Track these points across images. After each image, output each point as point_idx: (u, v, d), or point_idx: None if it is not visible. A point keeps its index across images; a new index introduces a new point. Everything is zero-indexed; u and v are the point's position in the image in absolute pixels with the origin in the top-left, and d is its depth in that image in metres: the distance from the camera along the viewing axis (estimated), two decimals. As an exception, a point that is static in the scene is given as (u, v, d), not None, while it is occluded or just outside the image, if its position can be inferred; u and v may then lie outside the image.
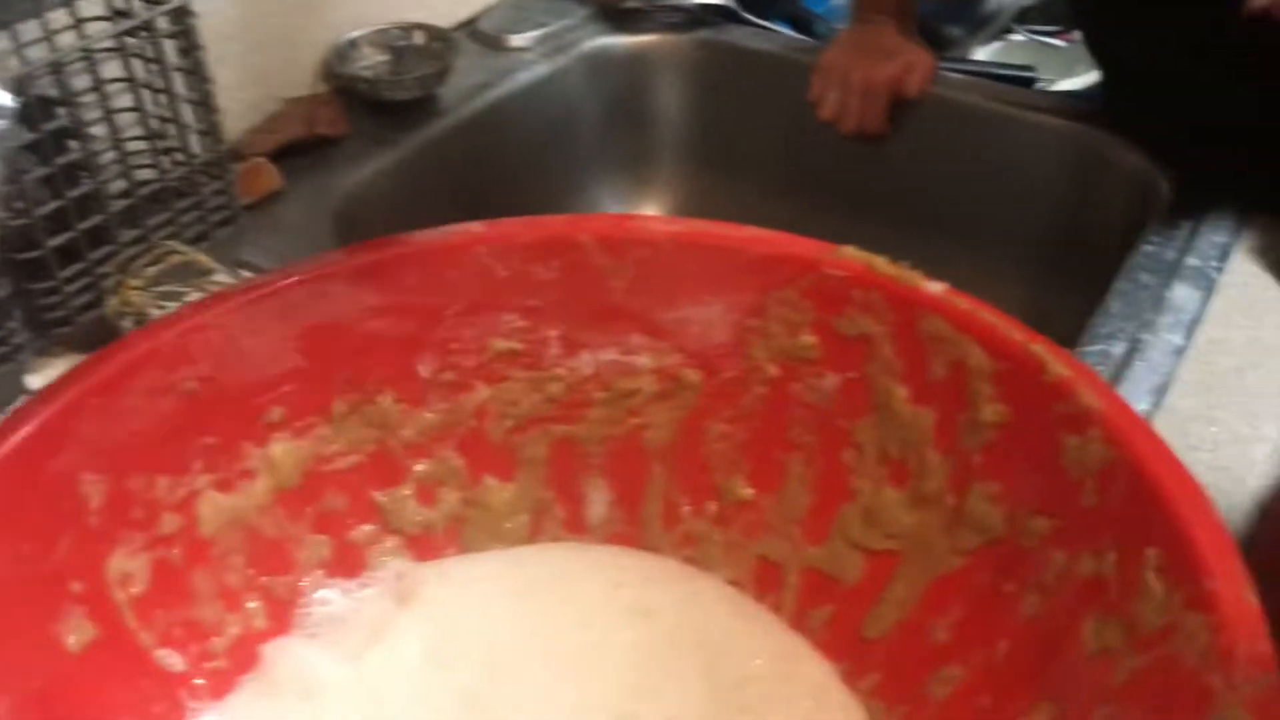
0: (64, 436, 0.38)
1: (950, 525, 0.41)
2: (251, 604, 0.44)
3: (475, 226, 0.45)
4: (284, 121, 0.78)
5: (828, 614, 0.44)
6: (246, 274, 0.65)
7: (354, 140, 0.80)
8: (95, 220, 0.61)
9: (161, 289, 0.62)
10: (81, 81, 0.59)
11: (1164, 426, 0.47)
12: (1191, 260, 0.65)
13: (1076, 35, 1.06)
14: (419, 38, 0.85)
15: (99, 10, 0.60)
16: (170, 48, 0.62)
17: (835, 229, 0.44)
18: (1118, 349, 0.57)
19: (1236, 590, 0.30)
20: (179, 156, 0.65)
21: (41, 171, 0.58)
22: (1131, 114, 0.78)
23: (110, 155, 0.62)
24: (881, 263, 0.42)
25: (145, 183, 0.64)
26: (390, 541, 0.47)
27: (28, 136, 0.56)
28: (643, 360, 0.47)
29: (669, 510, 0.48)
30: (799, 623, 0.45)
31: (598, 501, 0.49)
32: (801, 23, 1.01)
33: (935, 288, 0.41)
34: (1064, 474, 0.37)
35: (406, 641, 0.44)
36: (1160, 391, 0.55)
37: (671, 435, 0.48)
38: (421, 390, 0.47)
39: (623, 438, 0.48)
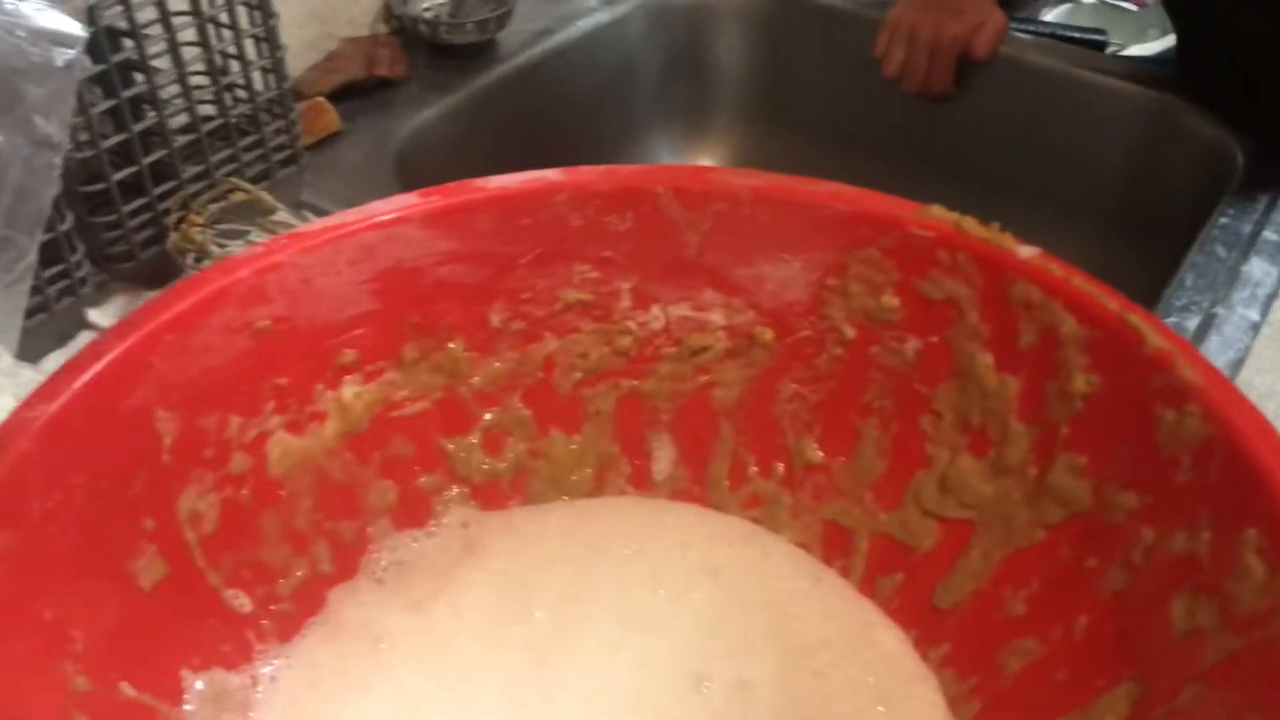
0: (140, 372, 0.38)
1: (1032, 497, 0.40)
2: (318, 547, 0.44)
3: (552, 174, 0.44)
4: (343, 61, 0.77)
5: (898, 581, 0.44)
6: (308, 214, 0.64)
7: (412, 83, 0.80)
8: (159, 155, 0.61)
9: (223, 226, 0.62)
10: (148, 14, 0.58)
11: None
12: (1269, 234, 0.63)
13: (1148, -1, 1.03)
14: (480, -20, 0.84)
15: (167, -59, 0.59)
16: (236, -20, 0.62)
17: (892, 190, 0.43)
18: (1191, 323, 0.56)
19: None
20: (242, 93, 0.65)
21: (107, 104, 0.58)
22: (1207, 81, 0.76)
23: (174, 90, 0.62)
24: (971, 223, 0.41)
25: (208, 118, 0.63)
26: (456, 490, 0.47)
27: (95, 68, 0.56)
28: (715, 317, 0.46)
29: (736, 470, 0.47)
30: (868, 589, 0.45)
31: (663, 458, 0.48)
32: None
33: (1027, 252, 0.40)
34: (1158, 449, 0.36)
35: (473, 591, 0.44)
36: (1235, 367, 0.54)
37: (741, 394, 0.47)
38: (491, 339, 0.46)
39: (691, 395, 0.47)
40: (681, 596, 0.44)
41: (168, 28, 0.59)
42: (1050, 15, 1.00)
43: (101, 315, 0.64)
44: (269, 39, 0.64)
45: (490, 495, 0.47)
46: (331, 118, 0.73)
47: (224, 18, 0.62)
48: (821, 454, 0.46)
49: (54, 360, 0.61)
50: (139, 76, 0.60)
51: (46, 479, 0.35)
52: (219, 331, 0.40)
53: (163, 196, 0.62)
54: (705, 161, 0.96)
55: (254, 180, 0.65)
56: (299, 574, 0.43)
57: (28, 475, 0.34)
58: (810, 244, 0.44)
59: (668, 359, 0.47)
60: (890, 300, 0.43)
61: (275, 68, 0.65)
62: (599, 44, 0.89)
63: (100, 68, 0.56)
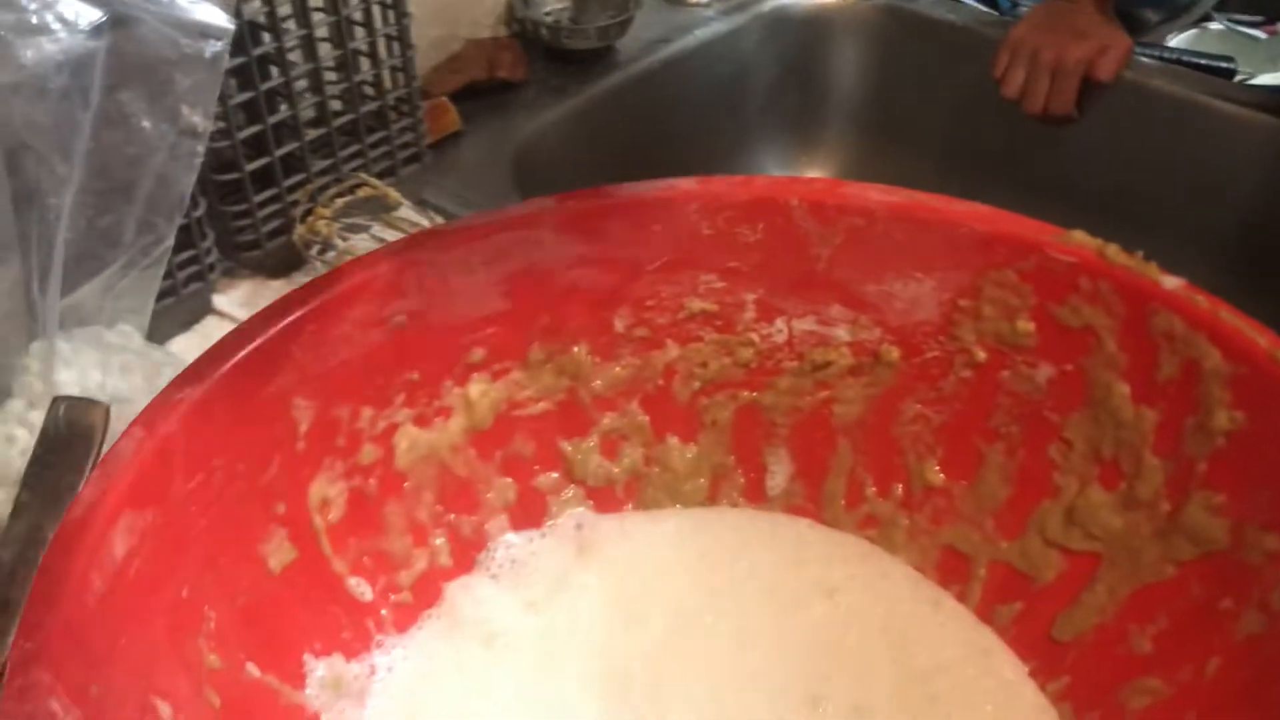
0: (281, 360, 0.39)
1: (1164, 533, 0.39)
2: (438, 540, 0.44)
3: (685, 183, 0.45)
4: (466, 62, 0.78)
5: (1016, 611, 0.43)
6: (430, 211, 0.65)
7: (531, 86, 0.80)
8: (290, 148, 0.62)
9: (348, 220, 0.63)
10: (286, 8, 0.60)
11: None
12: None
13: None
14: (603, -13, 0.85)
15: (310, -60, 0.61)
16: (372, -20, 0.63)
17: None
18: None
19: None
20: (371, 91, 0.66)
21: (244, 96, 0.60)
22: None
23: (307, 85, 0.63)
24: (1115, 251, 0.40)
25: (338, 114, 0.65)
26: (572, 491, 0.47)
27: (236, 60, 0.57)
28: (840, 332, 0.46)
29: (853, 489, 0.47)
30: (985, 617, 0.44)
31: (779, 472, 0.48)
32: (988, -5, 0.98)
33: (1172, 283, 0.39)
34: (1305, 492, 0.35)
35: (588, 595, 0.44)
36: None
37: (862, 412, 0.46)
38: (614, 344, 0.46)
39: (811, 410, 0.47)
40: (797, 614, 0.44)
41: (305, 24, 0.61)
42: (1176, 41, 0.97)
43: (227, 301, 0.65)
44: (401, 38, 0.65)
45: (605, 499, 0.48)
46: (453, 117, 0.74)
47: (358, 16, 0.63)
48: (943, 477, 0.45)
49: (180, 343, 0.63)
50: (275, 70, 0.61)
51: (189, 461, 0.36)
52: (357, 324, 0.41)
53: (291, 189, 0.63)
54: (812, 173, 0.95)
55: (379, 176, 0.66)
56: (419, 565, 0.44)
57: (172, 456, 0.35)
58: (944, 263, 0.43)
59: (789, 373, 0.47)
60: (1025, 325, 0.42)
61: (405, 67, 0.66)
62: (714, 53, 0.89)
63: (240, 60, 0.58)
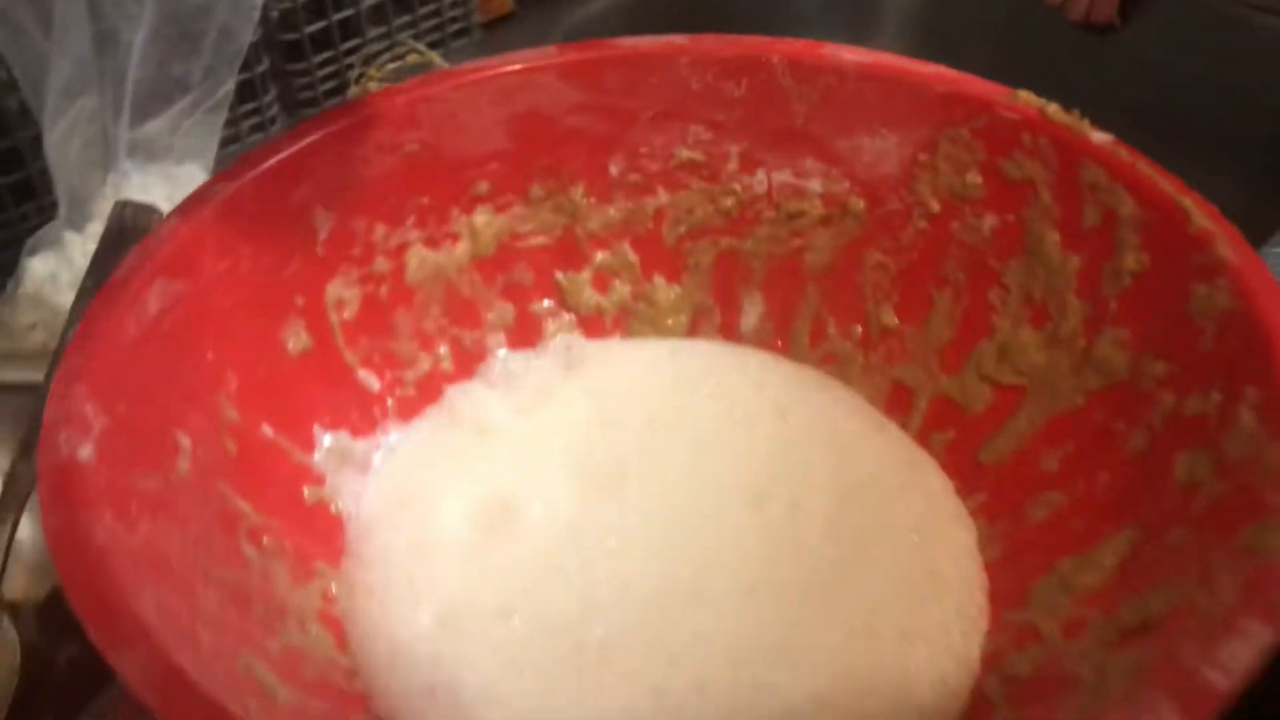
0: (305, 172, 0.45)
1: (1078, 366, 0.43)
2: (442, 349, 0.50)
3: (678, 38, 0.49)
4: (523, -53, 0.83)
5: (949, 438, 0.48)
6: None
7: (585, -27, 0.85)
8: (347, 13, 0.68)
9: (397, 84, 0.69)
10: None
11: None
12: None
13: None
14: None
15: None
16: None
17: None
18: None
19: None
20: (426, -36, 0.71)
21: (307, -38, 0.66)
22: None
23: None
24: (1055, 109, 0.44)
25: (394, -15, 0.70)
26: (566, 318, 0.53)
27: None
28: (814, 185, 0.50)
29: (817, 329, 0.52)
30: (922, 443, 0.48)
31: (752, 313, 0.53)
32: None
33: (1101, 138, 0.43)
34: (1188, 321, 0.39)
35: (572, 404, 0.50)
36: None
37: (830, 260, 0.51)
38: (609, 187, 0.51)
39: (784, 257, 0.52)
40: (752, 430, 0.48)
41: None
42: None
43: (287, 154, 0.72)
44: (457, -87, 0.70)
45: (594, 327, 0.53)
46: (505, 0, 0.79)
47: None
48: (897, 320, 0.50)
49: (244, 189, 0.69)
50: (336, -61, 0.67)
51: (220, 245, 0.42)
52: (374, 148, 0.47)
53: (347, 52, 0.69)
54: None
55: (430, 46, 0.71)
56: (423, 367, 0.50)
57: (205, 239, 0.41)
58: (908, 120, 0.48)
59: (766, 222, 0.51)
60: (974, 178, 0.46)
61: (457, -59, 0.71)
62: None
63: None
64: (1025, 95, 0.45)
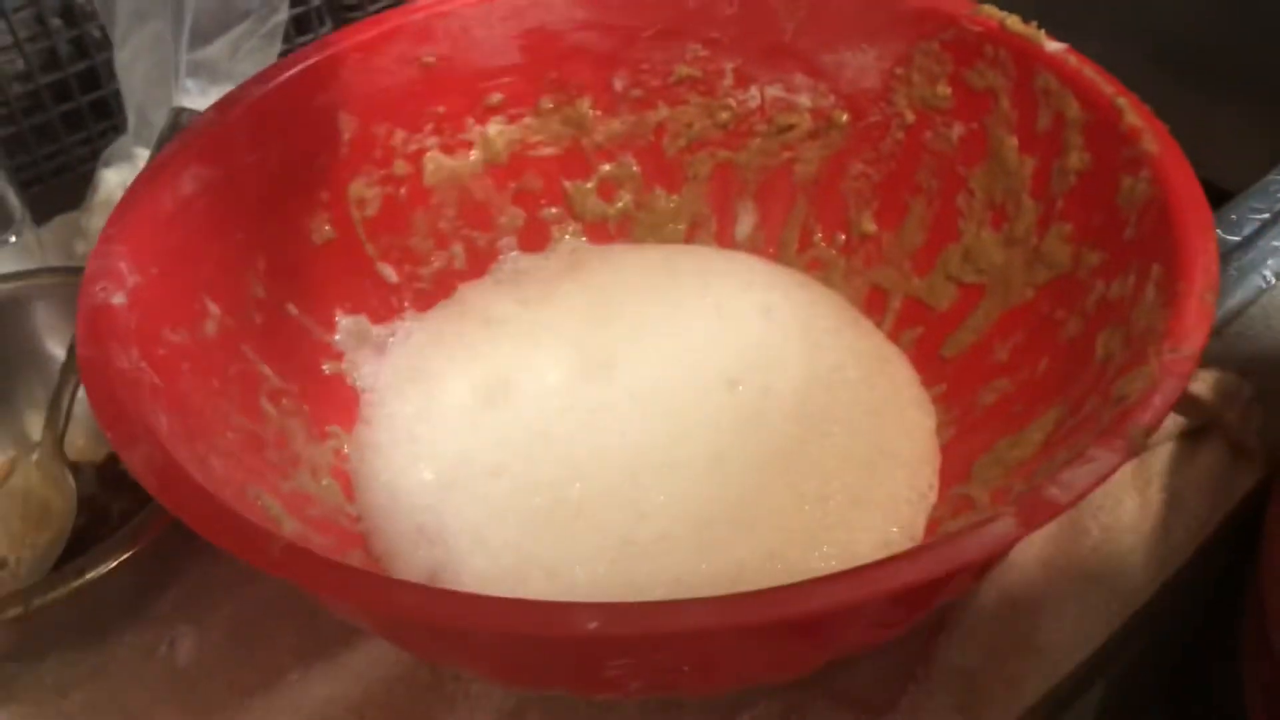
0: (330, 79, 0.50)
1: (1029, 262, 0.46)
2: (456, 248, 0.55)
3: (675, -42, 0.53)
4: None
5: (917, 334, 0.51)
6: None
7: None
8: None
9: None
10: None
11: None
12: None
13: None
14: None
15: None
16: None
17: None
18: None
19: (1198, 296, 0.35)
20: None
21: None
22: None
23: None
24: (1014, 21, 0.47)
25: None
26: (572, 225, 0.57)
27: None
28: (802, 99, 0.54)
29: (804, 236, 0.55)
30: (894, 340, 0.52)
31: (745, 221, 0.57)
32: None
33: (1054, 47, 0.46)
34: (1117, 211, 0.41)
35: (571, 299, 0.54)
36: None
37: (817, 170, 0.54)
38: (613, 101, 0.55)
39: (775, 168, 0.55)
40: (735, 325, 0.52)
41: None
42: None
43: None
44: None
45: (599, 233, 0.57)
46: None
47: None
48: (875, 226, 0.53)
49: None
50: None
51: (250, 140, 0.47)
52: (394, 59, 0.51)
53: (397, -12, 0.74)
54: None
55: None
56: (437, 264, 0.55)
57: (236, 133, 0.46)
58: (885, 35, 0.51)
59: (759, 135, 0.55)
60: (944, 89, 0.50)
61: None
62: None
63: None
64: (988, 8, 0.48)
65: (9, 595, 0.41)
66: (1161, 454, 0.49)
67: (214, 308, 0.44)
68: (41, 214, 0.67)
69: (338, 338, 0.51)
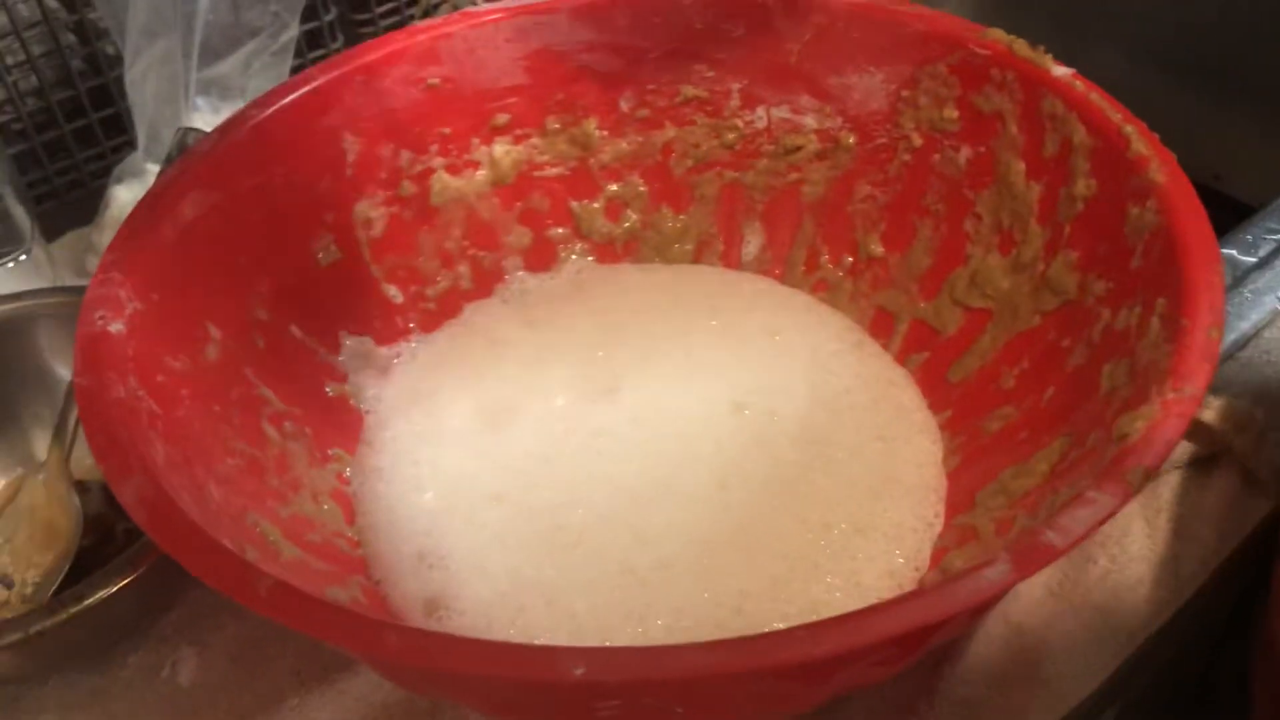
0: (334, 101, 0.50)
1: (1036, 288, 0.46)
2: (462, 268, 0.55)
3: (681, -20, 0.53)
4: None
5: (924, 359, 0.51)
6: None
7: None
8: (407, -35, 0.73)
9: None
10: None
11: None
12: None
13: None
14: None
15: None
16: None
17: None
18: None
19: (1203, 332, 0.35)
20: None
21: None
22: None
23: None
24: (1021, 45, 0.46)
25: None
26: (579, 245, 0.57)
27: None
28: (809, 120, 0.53)
29: (811, 257, 0.55)
30: (900, 364, 0.51)
31: (752, 242, 0.56)
32: None
33: (1060, 72, 0.45)
34: (1123, 240, 0.41)
35: (578, 323, 0.54)
36: None
37: (825, 192, 0.54)
38: (620, 121, 0.55)
39: (782, 189, 0.55)
40: (742, 348, 0.52)
41: None
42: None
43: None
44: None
45: (605, 253, 0.57)
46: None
47: None
48: (883, 249, 0.53)
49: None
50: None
51: (253, 164, 0.47)
52: (399, 81, 0.51)
53: (410, 3, 0.74)
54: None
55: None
56: (443, 284, 0.54)
57: (238, 158, 0.47)
58: (891, 58, 0.50)
59: (766, 155, 0.55)
60: (951, 112, 0.49)
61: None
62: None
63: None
64: (995, 32, 0.47)
65: (9, 620, 0.41)
66: (1171, 482, 0.49)
67: (215, 332, 0.44)
68: (54, 230, 0.67)
69: (342, 359, 0.51)
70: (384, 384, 0.52)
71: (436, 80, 0.52)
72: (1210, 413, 0.48)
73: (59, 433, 0.50)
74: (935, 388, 0.50)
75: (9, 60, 0.66)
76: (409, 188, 0.53)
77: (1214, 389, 0.49)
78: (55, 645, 0.42)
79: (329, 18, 0.72)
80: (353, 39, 0.74)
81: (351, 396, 0.50)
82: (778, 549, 0.44)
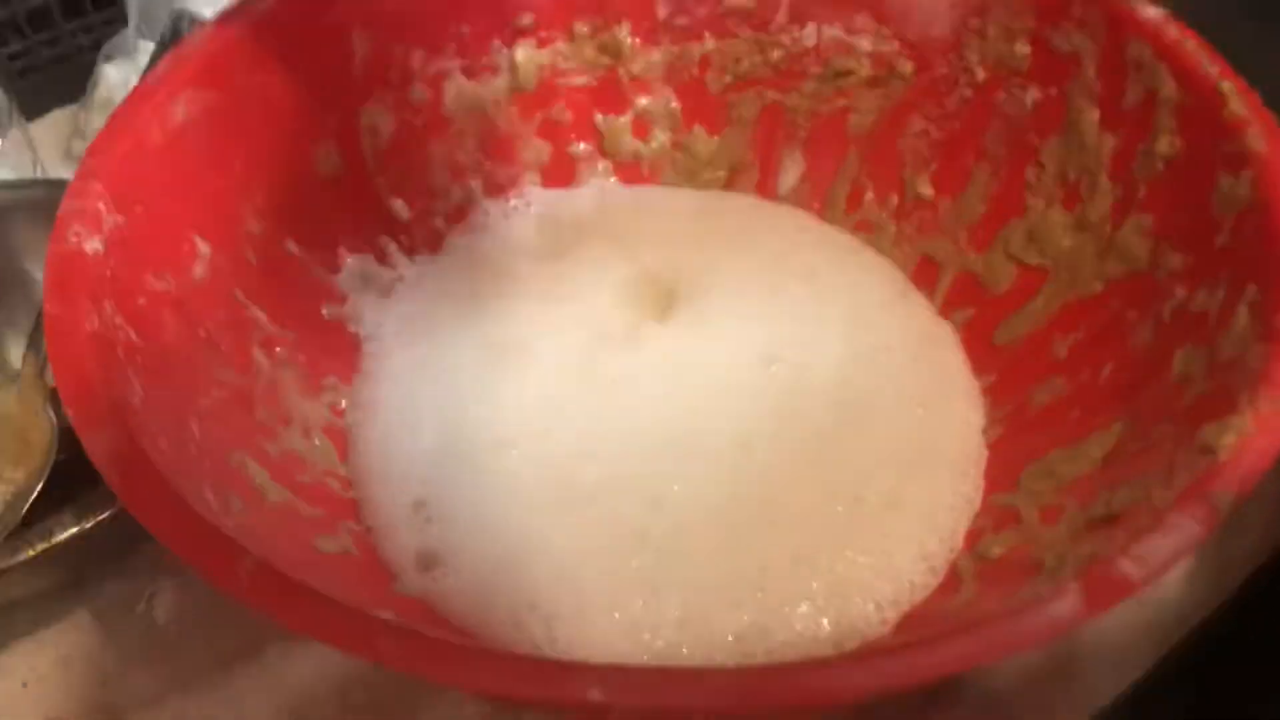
0: (342, -8, 0.45)
1: (1102, 252, 0.42)
2: (474, 182, 0.51)
3: (735, -128, 0.48)
4: None
5: (968, 316, 0.47)
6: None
7: None
8: None
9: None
10: None
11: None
12: None
13: None
14: None
15: None
16: None
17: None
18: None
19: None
20: None
21: None
22: None
23: None
24: (1108, -21, 0.42)
25: None
26: (601, 164, 0.53)
27: None
28: (863, 43, 0.49)
29: (854, 194, 0.51)
30: (943, 318, 0.48)
31: (791, 171, 0.52)
32: None
33: (1152, 13, 0.40)
34: (1209, 212, 0.37)
35: (599, 254, 0.49)
36: None
37: (873, 123, 0.50)
38: (655, 29, 0.50)
39: (828, 116, 0.51)
40: (776, 291, 0.48)
41: None
42: None
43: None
44: None
45: (630, 173, 0.53)
46: None
47: None
48: (932, 191, 0.49)
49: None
50: None
51: (253, 59, 0.42)
52: (416, -29, 0.47)
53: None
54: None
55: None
56: (454, 199, 0.50)
57: (238, 52, 0.42)
58: (960, -19, 0.46)
59: (813, 78, 0.50)
60: (1022, 48, 0.45)
61: None
62: None
63: None
64: (1082, -39, 0.42)
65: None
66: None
67: (204, 247, 0.40)
68: (37, 107, 0.63)
69: (340, 279, 0.47)
70: (385, 309, 0.48)
71: (457, -26, 0.47)
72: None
73: (35, 340, 0.46)
74: (980, 349, 0.46)
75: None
76: (421, 92, 0.48)
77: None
78: (21, 582, 0.39)
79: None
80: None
81: (349, 321, 0.47)
82: (802, 521, 0.40)
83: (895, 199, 0.50)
